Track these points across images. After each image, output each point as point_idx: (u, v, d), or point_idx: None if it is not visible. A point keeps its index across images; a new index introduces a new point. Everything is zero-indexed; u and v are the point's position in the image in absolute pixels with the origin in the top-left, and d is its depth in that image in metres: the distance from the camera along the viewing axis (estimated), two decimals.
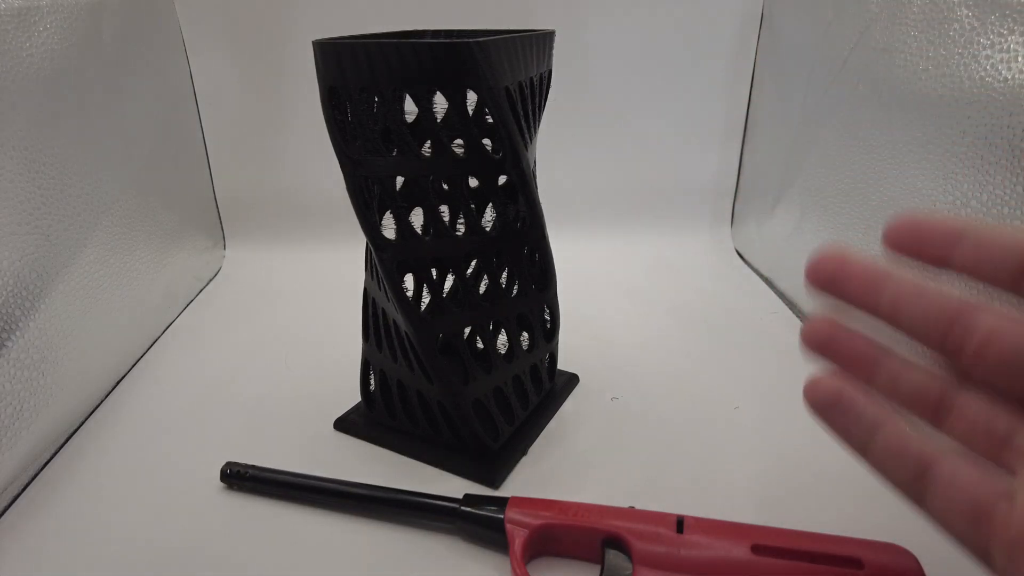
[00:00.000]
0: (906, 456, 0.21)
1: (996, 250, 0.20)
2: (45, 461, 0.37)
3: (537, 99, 0.33)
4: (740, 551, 0.27)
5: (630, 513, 0.29)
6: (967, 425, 0.21)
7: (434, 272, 0.34)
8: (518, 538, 0.29)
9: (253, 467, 0.35)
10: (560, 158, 0.66)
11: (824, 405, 0.23)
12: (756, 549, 0.27)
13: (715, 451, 0.38)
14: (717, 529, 0.28)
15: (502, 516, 0.30)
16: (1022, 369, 0.20)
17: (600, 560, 0.28)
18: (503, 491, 0.34)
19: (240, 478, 0.34)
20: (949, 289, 0.22)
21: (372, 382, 0.39)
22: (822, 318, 0.24)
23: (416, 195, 0.33)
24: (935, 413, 0.22)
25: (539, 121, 0.35)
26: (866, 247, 0.44)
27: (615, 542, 0.28)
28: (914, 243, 0.22)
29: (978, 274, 0.21)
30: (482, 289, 0.37)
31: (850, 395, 0.23)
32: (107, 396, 0.44)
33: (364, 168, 0.31)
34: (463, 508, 0.31)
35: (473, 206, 0.32)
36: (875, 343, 0.23)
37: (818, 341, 0.24)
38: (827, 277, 0.24)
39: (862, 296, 0.23)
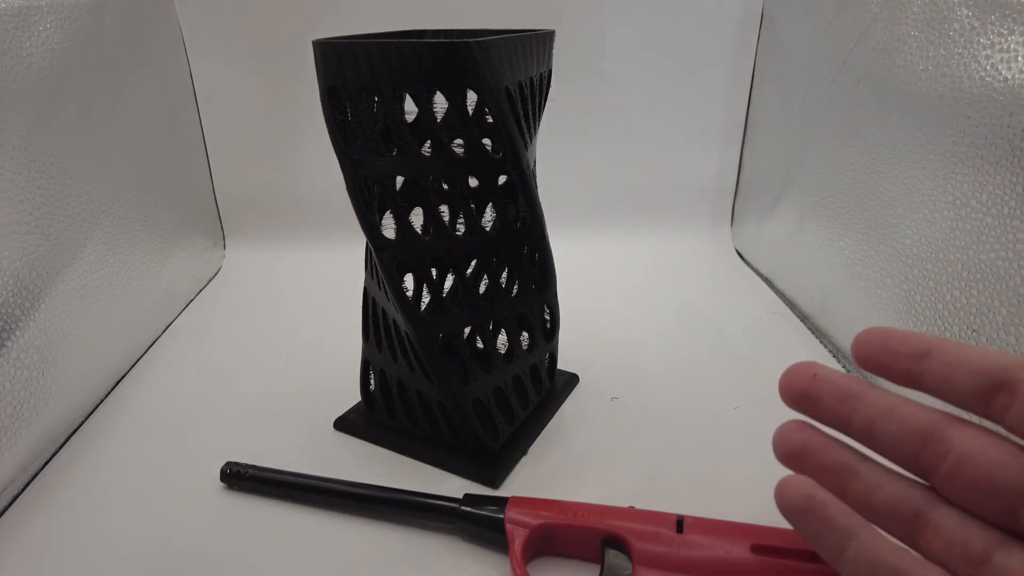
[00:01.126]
0: (880, 568, 0.21)
1: (964, 370, 0.20)
2: (45, 461, 0.37)
3: (537, 99, 0.33)
4: (740, 551, 0.27)
5: (630, 513, 0.29)
6: (943, 543, 0.21)
7: (434, 272, 0.34)
8: (518, 538, 0.29)
9: (253, 467, 0.35)
10: (560, 158, 0.66)
11: (796, 511, 0.22)
12: (756, 549, 0.27)
13: (715, 451, 0.38)
14: (717, 529, 0.28)
15: (502, 516, 0.30)
16: (995, 492, 0.19)
17: (600, 560, 0.28)
18: (503, 491, 0.34)
19: (240, 478, 0.34)
20: (921, 406, 0.21)
21: (372, 382, 0.39)
22: (794, 424, 0.24)
23: (416, 195, 0.33)
24: (911, 527, 0.21)
25: (539, 121, 0.35)
26: (866, 247, 0.44)
27: (615, 542, 0.28)
28: (882, 359, 0.22)
29: (947, 394, 0.21)
30: (482, 289, 0.37)
31: (822, 500, 0.22)
32: (107, 396, 0.44)
33: (364, 168, 0.31)
34: (463, 508, 0.31)
35: (473, 206, 0.32)
36: (850, 450, 0.23)
37: (790, 450, 0.23)
38: (798, 394, 0.23)
39: (835, 414, 0.23)
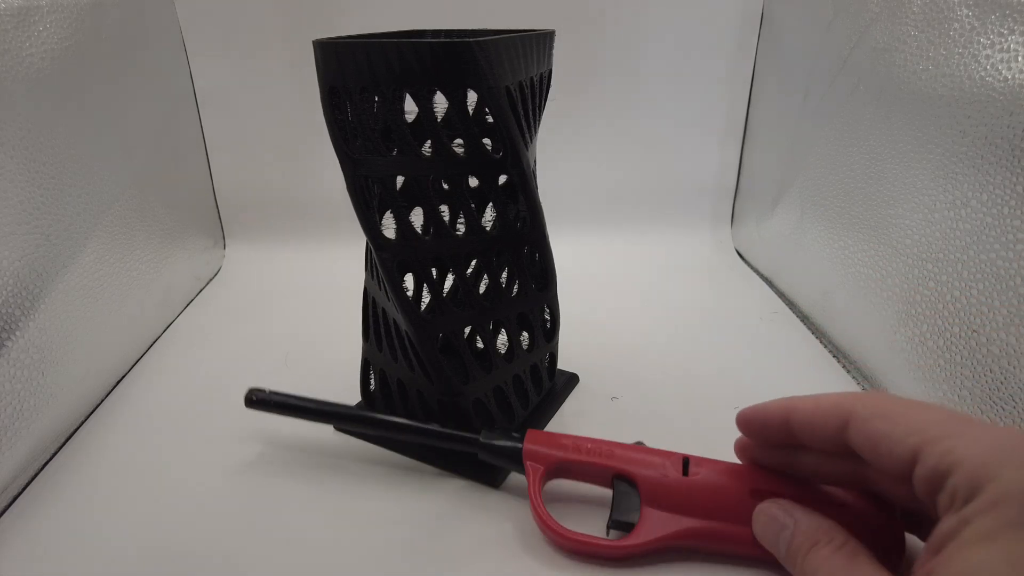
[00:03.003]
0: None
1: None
2: (45, 461, 0.37)
3: (537, 99, 0.33)
4: (740, 493, 0.29)
5: (638, 451, 0.32)
6: None
7: (434, 272, 0.34)
8: (534, 473, 0.31)
9: (276, 393, 0.36)
10: (561, 158, 0.66)
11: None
12: (755, 493, 0.29)
13: (715, 451, 0.37)
14: (720, 471, 0.31)
15: (520, 446, 0.32)
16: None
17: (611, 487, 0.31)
18: (503, 490, 0.34)
19: (264, 404, 0.36)
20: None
21: (372, 382, 0.39)
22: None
23: (416, 194, 0.33)
24: None
25: (539, 121, 0.35)
26: (866, 247, 0.44)
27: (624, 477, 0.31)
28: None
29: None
30: (482, 289, 0.37)
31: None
32: (107, 396, 0.44)
33: (364, 168, 0.31)
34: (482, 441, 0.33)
35: (473, 206, 0.32)
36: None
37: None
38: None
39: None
